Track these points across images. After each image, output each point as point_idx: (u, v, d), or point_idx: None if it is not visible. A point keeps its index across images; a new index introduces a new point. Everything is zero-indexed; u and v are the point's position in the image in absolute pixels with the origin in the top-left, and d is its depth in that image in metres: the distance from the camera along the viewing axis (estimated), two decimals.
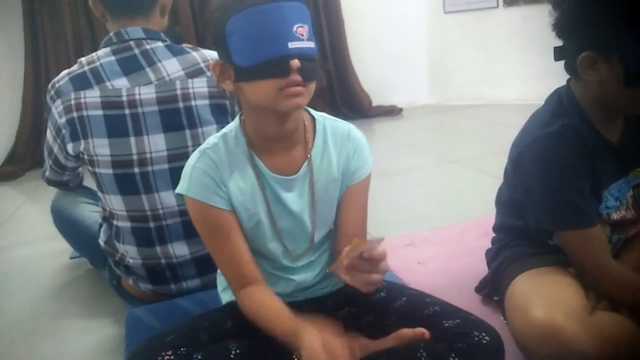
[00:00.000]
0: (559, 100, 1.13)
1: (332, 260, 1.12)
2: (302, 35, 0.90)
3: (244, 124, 1.03)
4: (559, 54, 1.09)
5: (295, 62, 0.89)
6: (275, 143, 1.02)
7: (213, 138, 1.04)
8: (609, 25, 0.99)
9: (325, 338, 0.90)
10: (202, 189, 1.00)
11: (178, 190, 1.02)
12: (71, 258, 1.89)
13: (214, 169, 1.00)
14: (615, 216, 1.17)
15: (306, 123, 1.05)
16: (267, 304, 1.00)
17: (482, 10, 4.20)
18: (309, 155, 1.04)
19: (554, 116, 1.11)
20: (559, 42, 1.09)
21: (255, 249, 1.06)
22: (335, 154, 1.07)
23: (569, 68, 1.10)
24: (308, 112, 1.07)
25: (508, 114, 3.67)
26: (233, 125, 1.05)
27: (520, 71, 4.01)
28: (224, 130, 1.05)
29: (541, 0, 3.93)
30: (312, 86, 0.95)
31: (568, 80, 1.14)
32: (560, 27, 1.07)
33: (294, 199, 1.04)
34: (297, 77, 0.90)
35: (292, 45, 0.89)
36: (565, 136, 1.07)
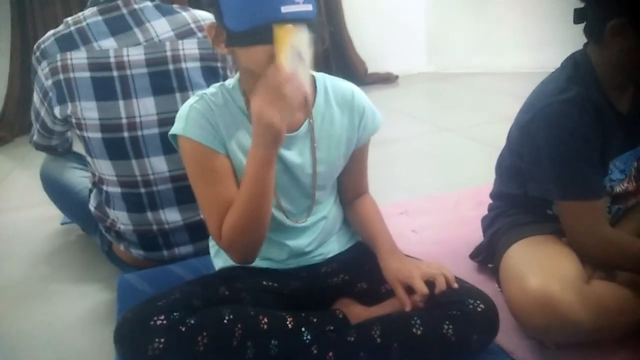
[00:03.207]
0: (575, 66, 1.09)
1: (329, 227, 1.11)
2: None
3: (241, 84, 1.00)
4: (579, 16, 1.04)
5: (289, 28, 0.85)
6: None
7: (212, 87, 1.01)
8: None
9: None
10: (200, 130, 0.96)
11: (173, 130, 0.98)
12: (62, 224, 1.87)
13: (212, 115, 0.98)
14: (618, 189, 1.16)
15: None
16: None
17: None
18: (310, 114, 1.01)
19: (570, 82, 1.06)
20: (568, 9, 1.05)
21: None
22: (339, 114, 1.05)
23: (589, 33, 1.05)
24: None
25: (505, 82, 3.63)
26: (232, 80, 1.02)
27: (518, 39, 3.94)
28: (222, 82, 1.03)
29: None
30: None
31: (585, 45, 1.10)
32: None
33: (294, 157, 1.02)
34: None
35: (285, 9, 0.84)
36: (580, 104, 1.03)
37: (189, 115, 0.97)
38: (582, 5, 1.03)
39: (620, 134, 1.09)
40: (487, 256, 1.32)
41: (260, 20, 0.85)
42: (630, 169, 1.16)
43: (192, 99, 0.99)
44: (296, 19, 0.85)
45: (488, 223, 1.32)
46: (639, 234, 1.14)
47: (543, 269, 1.03)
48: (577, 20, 1.04)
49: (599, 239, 1.06)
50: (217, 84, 1.02)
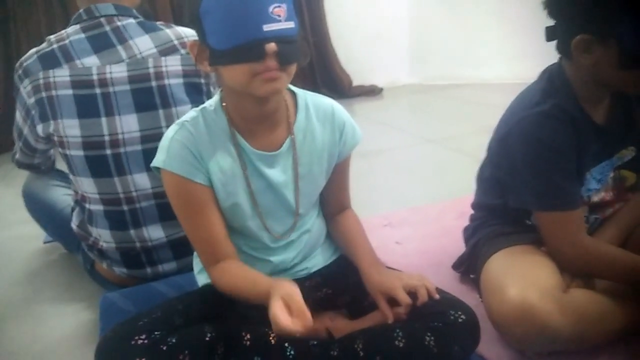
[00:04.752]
0: (550, 79, 1.11)
1: (313, 240, 1.12)
2: (280, 16, 0.85)
3: (224, 102, 1.00)
4: (550, 34, 1.06)
5: (271, 46, 0.85)
6: (257, 124, 1.00)
7: (192, 112, 1.01)
8: (604, 6, 0.95)
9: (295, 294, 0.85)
10: (181, 162, 0.97)
11: (154, 163, 0.99)
12: (44, 242, 1.85)
13: (193, 143, 0.98)
14: (595, 198, 1.18)
15: (287, 100, 1.03)
16: (241, 274, 0.98)
17: None
18: (291, 131, 1.02)
19: (545, 95, 1.08)
20: (546, 22, 1.06)
21: (234, 228, 1.05)
22: (320, 130, 1.05)
23: (560, 49, 1.07)
24: (288, 88, 1.05)
25: (488, 93, 3.68)
26: (213, 100, 1.02)
27: (501, 51, 4.00)
28: (203, 105, 1.03)
29: None
30: (292, 68, 0.91)
31: (560, 59, 1.12)
32: (552, 7, 1.03)
33: (277, 175, 1.03)
34: (272, 63, 0.86)
35: (267, 27, 0.85)
36: (555, 116, 1.05)
37: (170, 148, 0.97)
38: (552, 22, 1.05)
39: (597, 144, 1.11)
40: (469, 267, 1.33)
41: (243, 39, 0.85)
42: (606, 179, 1.17)
43: (172, 129, 0.99)
44: (278, 37, 0.86)
45: (470, 233, 1.33)
46: (616, 243, 1.17)
47: (522, 279, 1.04)
48: (548, 38, 1.06)
49: (578, 249, 1.08)
50: (197, 108, 1.02)
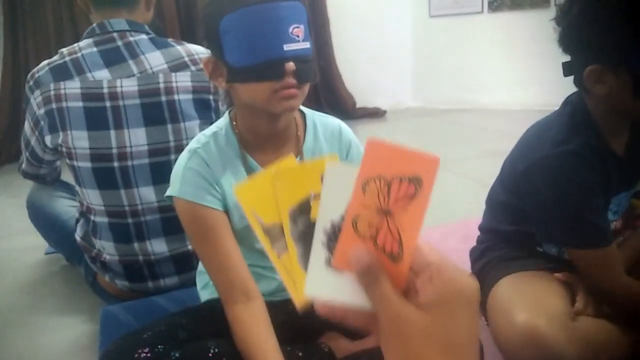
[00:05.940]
0: (572, 114, 1.09)
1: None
2: (298, 36, 0.88)
3: (234, 121, 1.01)
4: (567, 69, 1.05)
5: (291, 65, 0.88)
6: (268, 141, 1.01)
7: (202, 137, 1.01)
8: (614, 36, 0.95)
9: None
10: (195, 189, 0.96)
11: (169, 193, 0.98)
12: (46, 254, 1.84)
13: (206, 169, 0.98)
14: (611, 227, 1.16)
15: (297, 120, 1.04)
16: (253, 339, 0.93)
17: (467, 15, 4.23)
18: (301, 151, 1.03)
19: (570, 132, 1.06)
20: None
21: (244, 249, 1.05)
22: (327, 149, 1.06)
23: (577, 83, 1.07)
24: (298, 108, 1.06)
25: (490, 118, 3.70)
26: (223, 123, 1.03)
27: (503, 77, 4.04)
28: (212, 128, 1.03)
29: (525, 6, 3.99)
30: (307, 87, 0.94)
31: (579, 93, 1.11)
32: (565, 42, 1.03)
33: None
34: (291, 80, 0.89)
35: (287, 47, 0.87)
36: (583, 156, 1.04)
37: (184, 176, 0.97)
38: (568, 58, 1.05)
39: (617, 174, 1.10)
40: None
41: (265, 58, 0.87)
42: (623, 210, 1.17)
43: (184, 157, 0.99)
44: (296, 56, 0.88)
45: (477, 256, 1.32)
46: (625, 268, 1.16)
47: (530, 304, 1.04)
48: (566, 73, 1.06)
49: (616, 285, 1.07)
50: (208, 133, 1.02)
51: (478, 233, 1.36)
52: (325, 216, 0.38)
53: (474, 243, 1.37)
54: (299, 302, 0.42)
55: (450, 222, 1.92)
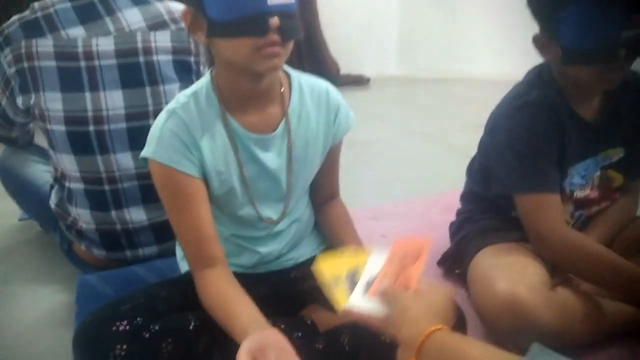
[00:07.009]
0: (538, 74, 1.15)
1: (301, 230, 1.09)
2: None
3: (215, 80, 0.97)
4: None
5: (275, 21, 0.83)
6: (250, 101, 0.97)
7: (182, 97, 0.97)
8: (547, 7, 1.02)
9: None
10: (171, 153, 0.92)
11: (143, 154, 0.94)
12: (20, 220, 1.79)
13: (185, 131, 0.93)
14: (579, 194, 1.19)
15: (282, 79, 1.00)
16: (221, 299, 0.90)
17: None
18: (286, 113, 0.99)
19: (531, 86, 1.13)
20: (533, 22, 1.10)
21: (225, 218, 1.02)
22: (314, 112, 1.03)
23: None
24: (283, 68, 1.02)
25: (476, 90, 3.69)
26: (203, 82, 0.98)
27: (489, 47, 4.02)
28: (192, 87, 0.98)
29: None
30: (291, 45, 0.89)
31: None
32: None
33: (272, 158, 1.00)
34: (275, 37, 0.84)
35: (271, 1, 0.83)
36: (539, 105, 1.09)
37: (161, 137, 0.93)
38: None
39: (583, 140, 1.14)
40: (454, 263, 1.34)
41: (247, 11, 0.83)
42: (592, 176, 1.19)
43: (162, 117, 0.95)
44: (281, 11, 0.84)
45: (456, 228, 1.35)
46: (602, 242, 1.17)
47: (510, 274, 1.06)
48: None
49: (558, 237, 1.09)
50: (188, 93, 0.97)
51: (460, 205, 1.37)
52: (367, 274, 0.84)
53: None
54: (338, 308, 0.83)
55: (434, 194, 1.92)
